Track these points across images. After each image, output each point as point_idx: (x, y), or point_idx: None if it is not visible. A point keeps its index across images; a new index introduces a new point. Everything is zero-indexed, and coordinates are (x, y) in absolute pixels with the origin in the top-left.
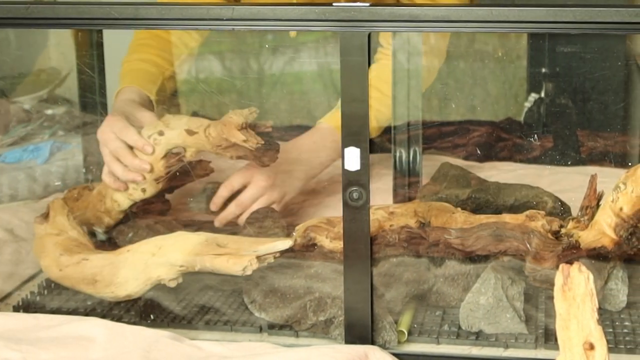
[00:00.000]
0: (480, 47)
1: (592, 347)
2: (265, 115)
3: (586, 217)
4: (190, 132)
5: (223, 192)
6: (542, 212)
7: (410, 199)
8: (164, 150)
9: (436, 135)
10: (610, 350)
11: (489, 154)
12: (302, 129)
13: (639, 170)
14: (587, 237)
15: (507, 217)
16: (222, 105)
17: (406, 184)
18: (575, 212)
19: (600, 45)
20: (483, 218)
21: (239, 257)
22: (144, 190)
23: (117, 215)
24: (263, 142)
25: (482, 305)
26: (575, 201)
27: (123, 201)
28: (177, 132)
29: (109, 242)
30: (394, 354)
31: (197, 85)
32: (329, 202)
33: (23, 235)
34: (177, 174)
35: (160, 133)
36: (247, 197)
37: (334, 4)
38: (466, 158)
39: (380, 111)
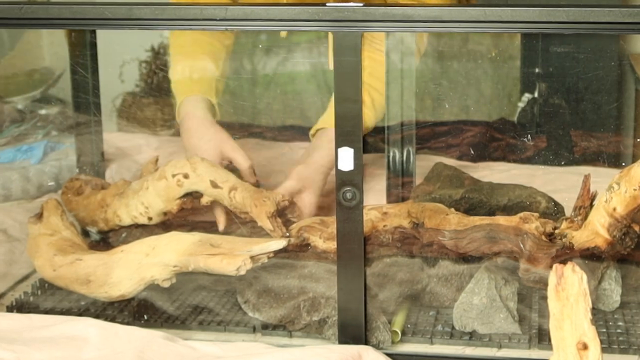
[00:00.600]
0: (473, 47)
1: (585, 347)
2: (258, 115)
3: (580, 217)
4: (214, 185)
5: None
6: (536, 214)
7: (403, 199)
8: (183, 192)
9: (430, 135)
10: (604, 350)
11: (482, 154)
12: (295, 129)
13: (632, 171)
14: (581, 237)
15: (500, 219)
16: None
17: (400, 184)
18: (568, 212)
19: (593, 45)
20: (477, 220)
21: (232, 257)
22: (150, 219)
23: (113, 227)
24: (288, 235)
25: (475, 306)
26: (568, 201)
27: (125, 219)
28: (202, 180)
29: (103, 242)
30: (388, 354)
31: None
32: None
33: (17, 235)
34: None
35: (186, 176)
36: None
37: (327, 4)
38: (460, 158)
39: (373, 106)
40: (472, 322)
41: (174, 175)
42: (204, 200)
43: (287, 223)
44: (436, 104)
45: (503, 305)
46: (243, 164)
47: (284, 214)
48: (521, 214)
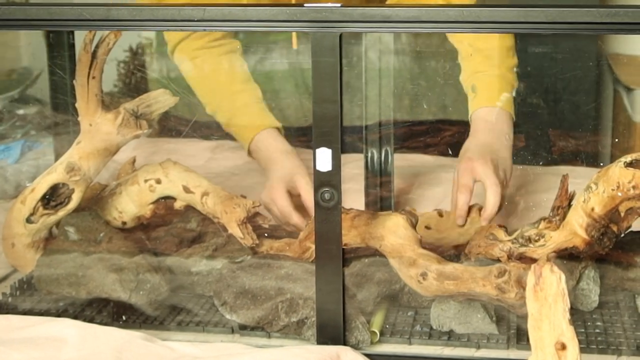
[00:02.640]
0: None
1: (564, 347)
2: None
3: (558, 218)
4: (187, 190)
5: (464, 200)
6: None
7: (382, 199)
8: (156, 196)
9: (408, 134)
10: (582, 350)
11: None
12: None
13: (610, 171)
14: (559, 238)
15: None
16: (193, 105)
17: (378, 183)
18: (547, 212)
19: (571, 46)
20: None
21: None
22: (124, 223)
23: None
24: (257, 243)
25: (453, 305)
26: (547, 201)
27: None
28: (174, 185)
29: (80, 242)
30: (366, 355)
31: (169, 85)
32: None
33: None
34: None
35: (158, 181)
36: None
37: (305, 5)
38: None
39: None
40: (449, 322)
41: (146, 181)
42: (177, 205)
43: (257, 230)
44: (414, 103)
45: (480, 305)
46: (306, 198)
47: (254, 220)
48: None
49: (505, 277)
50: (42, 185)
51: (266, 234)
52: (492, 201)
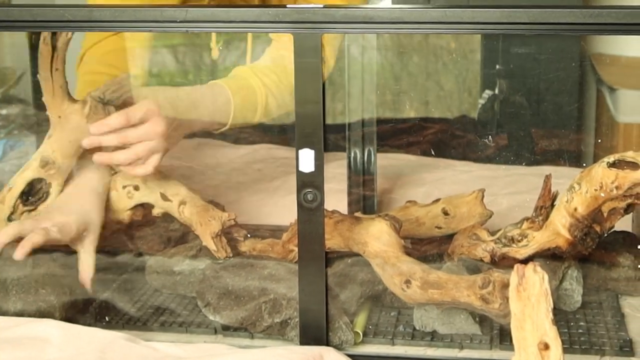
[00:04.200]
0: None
1: (547, 347)
2: None
3: (541, 218)
4: (164, 198)
5: (114, 122)
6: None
7: (365, 198)
8: (134, 203)
9: (390, 133)
10: (565, 350)
11: (443, 152)
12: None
13: (593, 171)
14: (542, 238)
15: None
16: None
17: (360, 183)
18: (530, 212)
19: (554, 46)
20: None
21: None
22: (102, 229)
23: None
24: (231, 256)
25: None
26: (529, 202)
27: None
28: (152, 192)
29: None
30: (349, 355)
31: (149, 81)
32: (284, 203)
33: None
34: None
35: (136, 188)
36: (136, 136)
37: (287, 6)
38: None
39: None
40: (432, 322)
41: (124, 187)
42: (155, 212)
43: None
44: (397, 100)
45: None
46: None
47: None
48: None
49: (489, 287)
50: (19, 183)
51: (249, 234)
52: None
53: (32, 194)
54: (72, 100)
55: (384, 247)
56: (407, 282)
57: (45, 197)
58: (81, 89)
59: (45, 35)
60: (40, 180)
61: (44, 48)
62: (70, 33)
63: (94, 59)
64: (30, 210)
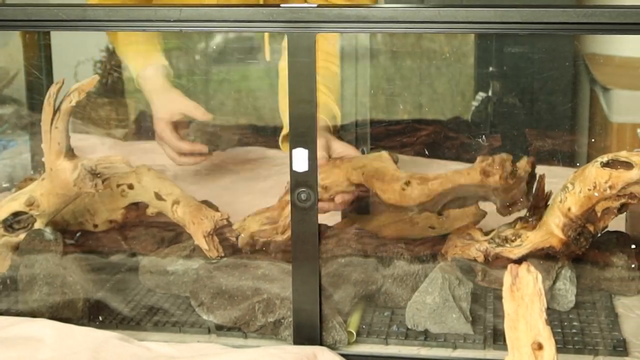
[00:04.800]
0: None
1: (540, 347)
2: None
3: (534, 218)
4: (158, 197)
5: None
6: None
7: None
8: (128, 202)
9: (384, 134)
10: (559, 350)
11: (436, 153)
12: (249, 128)
13: (586, 171)
14: (535, 238)
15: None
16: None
17: None
18: (523, 212)
19: (548, 46)
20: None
21: None
22: (95, 226)
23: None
24: (223, 256)
25: (428, 305)
26: (523, 201)
27: (72, 224)
28: (146, 191)
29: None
30: (343, 355)
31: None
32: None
33: None
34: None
35: (130, 187)
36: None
37: (282, 5)
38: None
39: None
40: (424, 321)
41: (118, 185)
42: (149, 211)
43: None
44: (390, 102)
45: (456, 305)
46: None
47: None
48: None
49: (489, 160)
50: (3, 209)
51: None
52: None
53: (16, 222)
54: (69, 157)
55: (382, 164)
56: (407, 182)
57: (29, 228)
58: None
59: (51, 95)
60: (25, 212)
61: (47, 107)
62: (74, 102)
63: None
64: (10, 237)
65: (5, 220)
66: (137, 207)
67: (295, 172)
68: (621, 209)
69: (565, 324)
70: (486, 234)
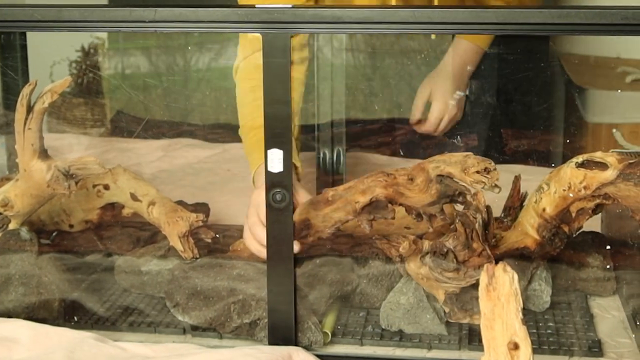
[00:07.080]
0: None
1: (516, 346)
2: (191, 112)
3: (509, 218)
4: (134, 198)
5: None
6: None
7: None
8: (104, 202)
9: (360, 133)
10: (534, 350)
11: (413, 153)
12: (227, 127)
13: (561, 172)
14: (510, 238)
15: None
16: (146, 102)
17: (330, 182)
18: (498, 212)
19: (523, 46)
20: None
21: None
22: (71, 226)
23: (40, 228)
24: (198, 257)
25: (402, 305)
26: (498, 201)
27: (48, 224)
28: (122, 192)
29: (30, 241)
30: (318, 355)
31: (121, 84)
32: None
33: None
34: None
35: (106, 187)
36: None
37: (256, 6)
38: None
39: None
40: (398, 321)
41: (94, 186)
42: (125, 212)
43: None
44: (367, 101)
45: (430, 305)
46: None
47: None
48: None
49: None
50: None
51: (217, 235)
52: (434, 114)
53: None
54: (42, 158)
55: None
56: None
57: (4, 228)
58: (241, 95)
59: (24, 96)
60: (0, 213)
61: (20, 108)
62: (46, 103)
63: (250, 67)
64: None
65: None
66: (113, 207)
67: (270, 172)
68: (596, 209)
69: (541, 324)
70: None
